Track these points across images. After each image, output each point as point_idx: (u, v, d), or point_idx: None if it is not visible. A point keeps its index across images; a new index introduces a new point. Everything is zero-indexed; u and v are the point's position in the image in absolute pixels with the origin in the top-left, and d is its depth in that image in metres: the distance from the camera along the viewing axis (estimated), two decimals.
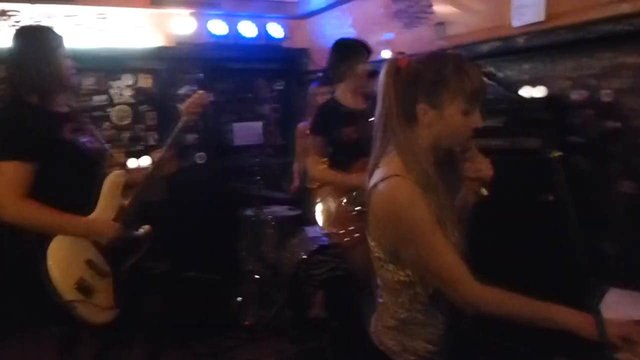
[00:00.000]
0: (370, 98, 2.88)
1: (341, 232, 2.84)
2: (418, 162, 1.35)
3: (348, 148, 2.83)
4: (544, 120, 1.33)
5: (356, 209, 2.80)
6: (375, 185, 1.39)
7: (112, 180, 2.22)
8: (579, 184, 2.61)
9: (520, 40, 2.81)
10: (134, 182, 2.38)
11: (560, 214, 1.16)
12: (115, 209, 2.21)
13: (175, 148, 2.44)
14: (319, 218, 3.01)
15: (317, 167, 2.88)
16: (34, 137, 2.00)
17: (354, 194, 2.82)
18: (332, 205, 2.91)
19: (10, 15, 3.90)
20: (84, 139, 2.16)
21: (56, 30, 2.21)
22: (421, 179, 1.34)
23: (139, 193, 2.31)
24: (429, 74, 1.35)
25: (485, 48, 2.99)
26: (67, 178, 2.09)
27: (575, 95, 2.67)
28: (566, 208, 1.14)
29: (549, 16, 2.68)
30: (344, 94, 2.93)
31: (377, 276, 1.50)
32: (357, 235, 2.78)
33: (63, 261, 2.01)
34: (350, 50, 2.88)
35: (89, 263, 2.08)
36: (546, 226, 2.36)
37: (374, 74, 3.23)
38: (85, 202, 2.12)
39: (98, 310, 2.06)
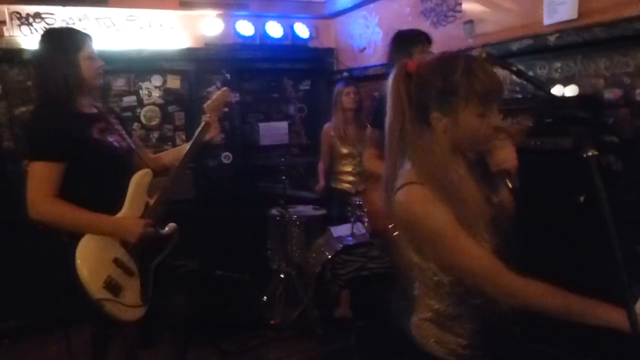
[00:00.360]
0: None
1: (390, 226, 2.82)
2: (435, 168, 1.33)
3: None
4: (577, 120, 1.30)
5: None
6: (394, 193, 1.38)
7: (138, 178, 2.22)
8: (612, 184, 2.55)
9: (552, 38, 2.76)
10: (170, 164, 2.42)
11: (595, 214, 1.14)
12: (142, 207, 2.21)
13: (198, 147, 2.40)
14: (371, 217, 2.99)
15: (373, 160, 2.81)
16: (63, 138, 2.04)
17: None
18: (380, 200, 2.91)
19: (43, 18, 4.01)
20: (111, 139, 2.19)
21: (82, 31, 2.23)
22: (438, 185, 1.32)
23: (174, 175, 2.32)
24: (438, 82, 1.32)
25: (515, 46, 2.94)
26: (95, 177, 2.12)
27: (609, 94, 2.62)
28: (602, 208, 1.11)
29: (582, 14, 2.63)
30: None
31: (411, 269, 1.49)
32: None
33: (91, 260, 2.02)
34: (409, 40, 2.80)
35: (117, 262, 2.08)
36: (580, 227, 2.31)
37: None
38: (113, 201, 2.14)
39: (126, 308, 2.05)
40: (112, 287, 2.02)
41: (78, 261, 1.98)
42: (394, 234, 2.70)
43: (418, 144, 1.35)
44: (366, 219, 3.56)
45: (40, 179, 2.02)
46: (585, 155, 1.15)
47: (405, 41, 2.80)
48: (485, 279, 1.30)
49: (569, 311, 1.24)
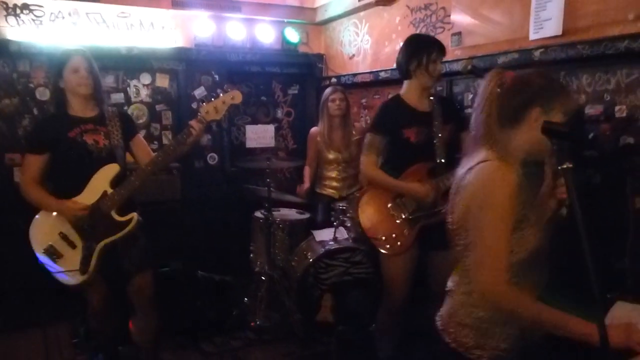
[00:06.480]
0: (437, 100, 2.82)
1: (383, 238, 2.76)
2: (514, 159, 1.45)
3: (405, 151, 2.74)
4: (561, 132, 1.38)
5: (402, 216, 2.73)
6: (471, 168, 1.48)
7: (102, 171, 2.62)
8: (592, 198, 2.61)
9: (537, 53, 2.82)
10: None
11: (572, 225, 1.18)
12: (98, 195, 2.60)
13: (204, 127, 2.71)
14: (363, 222, 2.90)
15: (372, 167, 2.77)
16: (42, 136, 2.63)
17: (400, 200, 2.74)
18: (377, 210, 2.82)
19: (32, 10, 3.97)
20: (87, 139, 2.61)
21: (71, 48, 2.69)
22: (519, 170, 1.43)
23: (140, 171, 2.64)
24: (542, 81, 1.46)
25: (501, 59, 3.00)
26: (65, 167, 2.61)
27: (590, 110, 2.68)
28: (576, 219, 1.15)
29: (567, 31, 2.70)
30: (410, 93, 2.80)
31: (456, 272, 1.57)
32: (399, 243, 2.71)
33: (40, 229, 2.62)
34: (423, 47, 2.74)
35: (61, 235, 2.60)
36: (559, 238, 2.36)
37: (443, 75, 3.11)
38: (76, 186, 2.60)
39: (62, 273, 2.57)
40: (51, 253, 2.59)
41: (31, 228, 2.63)
42: (387, 246, 2.69)
43: (504, 138, 1.47)
44: (350, 227, 3.58)
45: (25, 167, 2.63)
46: (560, 167, 1.20)
47: (420, 47, 2.74)
48: (481, 265, 1.37)
49: (548, 323, 1.31)
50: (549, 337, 1.53)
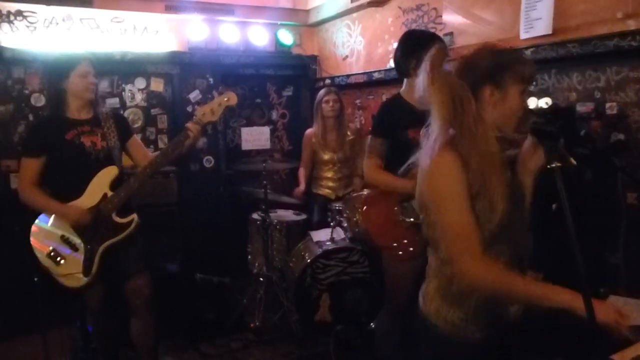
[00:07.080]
0: None
1: (395, 245, 2.63)
2: (472, 136, 1.43)
3: (410, 153, 2.54)
4: (545, 133, 1.40)
5: (409, 220, 2.58)
6: (422, 151, 1.52)
7: (102, 173, 2.63)
8: (585, 194, 2.64)
9: (528, 52, 2.86)
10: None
11: (562, 222, 1.21)
12: (98, 197, 2.61)
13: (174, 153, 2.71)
14: (369, 229, 2.77)
15: (376, 170, 2.62)
16: (42, 139, 2.59)
17: (407, 203, 2.58)
18: (383, 215, 2.68)
19: (25, 16, 3.98)
20: (85, 141, 2.62)
21: (79, 53, 2.69)
22: (469, 151, 1.41)
23: (139, 174, 2.67)
24: (490, 59, 1.46)
25: None
26: (64, 170, 2.61)
27: (581, 107, 2.72)
28: (565, 216, 1.19)
29: (557, 30, 2.74)
30: (411, 92, 2.62)
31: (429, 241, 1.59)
32: (411, 249, 2.57)
33: (42, 234, 2.63)
34: (421, 43, 2.56)
35: (63, 238, 2.61)
36: (551, 235, 2.40)
37: None
38: (76, 189, 2.60)
39: (65, 275, 2.58)
40: (54, 257, 2.59)
41: (31, 235, 2.63)
42: (399, 253, 2.65)
43: (466, 121, 1.45)
44: (353, 228, 3.43)
45: (23, 170, 2.62)
46: (549, 167, 1.24)
47: (418, 43, 2.58)
48: (452, 252, 1.41)
49: (529, 296, 1.34)
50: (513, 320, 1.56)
